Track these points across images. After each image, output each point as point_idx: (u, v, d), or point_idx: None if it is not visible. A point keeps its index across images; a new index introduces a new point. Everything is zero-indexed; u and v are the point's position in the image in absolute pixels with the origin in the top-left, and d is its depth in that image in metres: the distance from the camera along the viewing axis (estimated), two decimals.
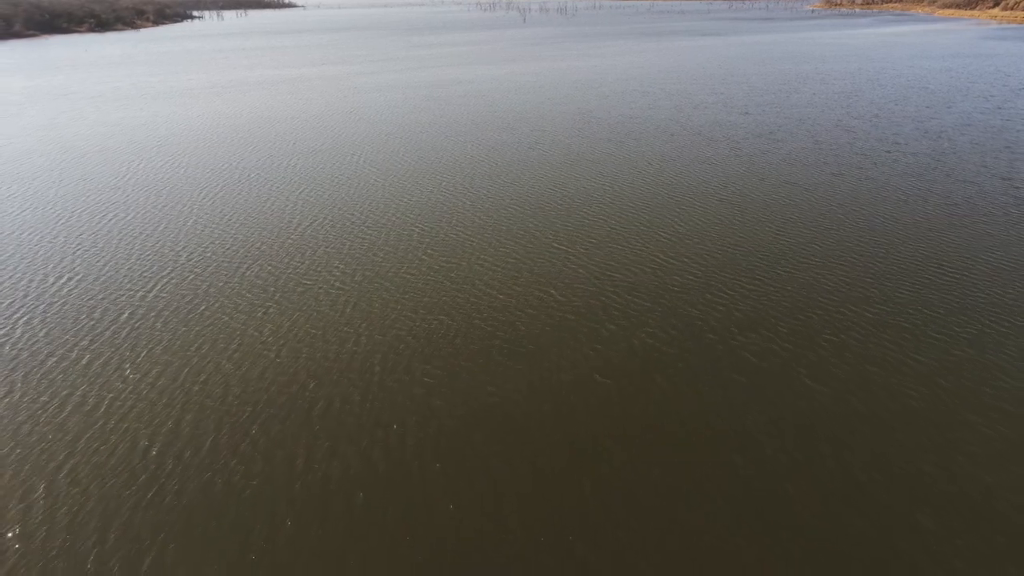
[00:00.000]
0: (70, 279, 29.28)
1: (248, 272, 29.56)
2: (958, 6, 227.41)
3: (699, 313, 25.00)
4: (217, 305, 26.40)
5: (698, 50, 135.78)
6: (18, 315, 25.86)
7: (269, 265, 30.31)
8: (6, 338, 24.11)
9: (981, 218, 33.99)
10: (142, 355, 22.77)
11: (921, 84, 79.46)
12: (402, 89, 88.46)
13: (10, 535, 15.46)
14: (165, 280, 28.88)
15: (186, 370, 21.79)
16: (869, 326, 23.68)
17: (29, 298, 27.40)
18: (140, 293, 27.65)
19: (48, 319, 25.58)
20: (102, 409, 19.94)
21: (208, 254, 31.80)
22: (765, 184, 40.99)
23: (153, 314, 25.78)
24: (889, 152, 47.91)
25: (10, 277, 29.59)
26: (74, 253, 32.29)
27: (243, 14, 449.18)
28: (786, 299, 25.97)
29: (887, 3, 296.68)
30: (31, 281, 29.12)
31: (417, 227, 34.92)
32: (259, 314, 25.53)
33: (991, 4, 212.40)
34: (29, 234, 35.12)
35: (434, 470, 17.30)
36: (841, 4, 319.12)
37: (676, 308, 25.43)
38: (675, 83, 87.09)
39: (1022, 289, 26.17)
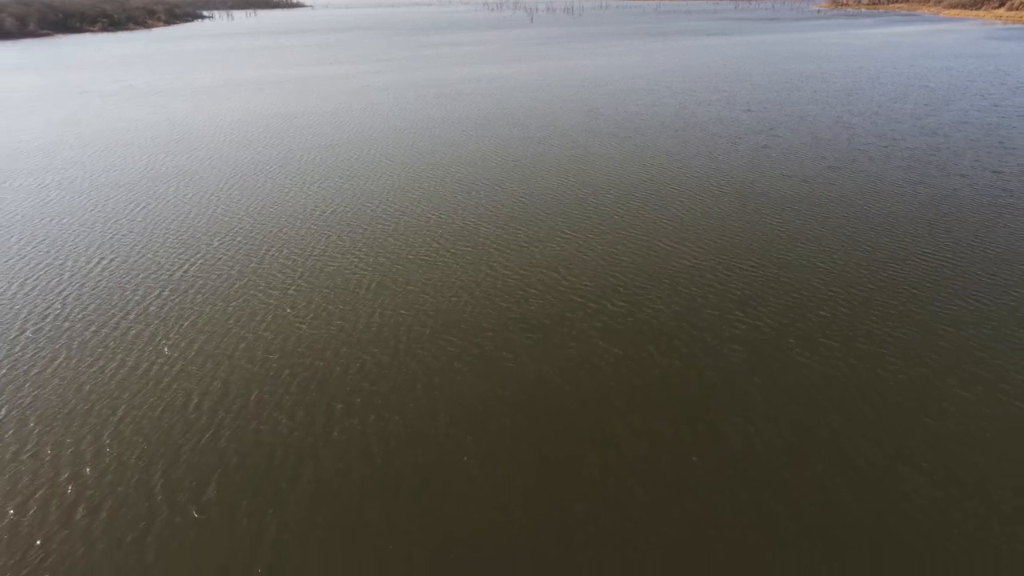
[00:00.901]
0: (103, 260, 31.12)
1: (274, 255, 31.34)
2: (964, 6, 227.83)
3: (699, 292, 26.60)
4: (248, 283, 28.20)
5: (703, 50, 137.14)
6: (62, 291, 27.73)
7: (294, 249, 32.07)
8: (54, 311, 25.98)
9: (969, 208, 35.41)
10: (182, 326, 24.59)
11: (922, 83, 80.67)
12: (412, 87, 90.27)
13: (66, 476, 17.25)
14: (197, 261, 30.71)
15: (223, 339, 23.58)
16: (857, 304, 25.24)
17: (71, 276, 29.29)
18: (175, 273, 29.48)
19: (90, 295, 27.42)
20: (144, 371, 21.75)
21: (235, 238, 33.61)
22: (764, 177, 42.48)
23: (189, 291, 27.62)
24: (886, 147, 49.30)
25: (51, 258, 31.48)
26: (108, 237, 34.16)
27: (252, 14, 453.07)
28: (780, 281, 27.52)
29: (893, 3, 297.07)
30: (70, 262, 30.99)
31: (432, 215, 36.63)
32: (288, 291, 27.30)
33: (996, 4, 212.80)
34: (63, 219, 37.03)
35: (453, 427, 18.98)
36: (847, 4, 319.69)
37: (678, 288, 27.04)
38: (680, 82, 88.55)
39: (1003, 272, 27.64)
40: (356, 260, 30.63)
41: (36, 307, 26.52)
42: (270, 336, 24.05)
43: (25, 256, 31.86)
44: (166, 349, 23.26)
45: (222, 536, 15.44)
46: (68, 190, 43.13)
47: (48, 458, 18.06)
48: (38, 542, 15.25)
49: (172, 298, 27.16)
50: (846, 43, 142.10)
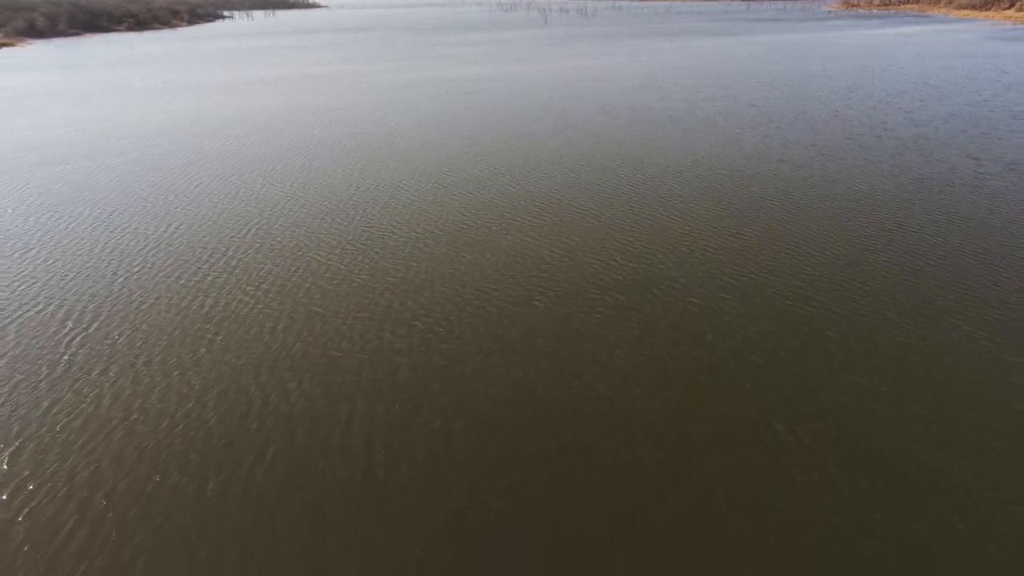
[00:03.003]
0: (172, 226, 35.67)
1: (324, 223, 35.79)
2: (974, 7, 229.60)
3: (701, 257, 30.66)
4: (303, 244, 32.65)
5: (712, 49, 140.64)
6: (143, 250, 32.32)
7: (340, 218, 36.51)
8: (140, 265, 30.56)
9: (942, 188, 39.14)
10: (252, 275, 29.05)
11: (922, 80, 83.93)
12: (432, 84, 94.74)
13: (177, 375, 21.64)
14: (255, 228, 35.20)
15: (288, 285, 28.00)
16: (840, 266, 29.22)
17: (148, 239, 33.89)
18: (236, 237, 34.00)
19: (167, 253, 31.96)
20: (226, 306, 26.16)
21: (286, 210, 38.10)
22: (762, 163, 46.37)
23: (251, 251, 32.09)
24: (878, 137, 52.98)
25: (126, 226, 36.13)
26: (171, 209, 38.78)
27: (271, 14, 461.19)
28: (771, 247, 31.54)
29: (904, 4, 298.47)
30: (143, 228, 35.59)
31: (460, 192, 40.95)
32: (337, 251, 31.70)
33: (1007, 5, 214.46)
34: (127, 196, 41.71)
35: (491, 348, 23.19)
36: (858, 5, 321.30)
37: (678, 247, 31.12)
38: (688, 79, 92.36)
39: (971, 240, 31.50)
40: (396, 228, 34.94)
41: (124, 262, 31.05)
42: (329, 285, 28.39)
43: (103, 224, 36.47)
44: (241, 292, 27.67)
45: (307, 417, 19.69)
46: (128, 171, 47.86)
47: (160, 365, 22.45)
48: (167, 420, 19.63)
49: (238, 255, 31.60)
50: (853, 43, 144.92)
